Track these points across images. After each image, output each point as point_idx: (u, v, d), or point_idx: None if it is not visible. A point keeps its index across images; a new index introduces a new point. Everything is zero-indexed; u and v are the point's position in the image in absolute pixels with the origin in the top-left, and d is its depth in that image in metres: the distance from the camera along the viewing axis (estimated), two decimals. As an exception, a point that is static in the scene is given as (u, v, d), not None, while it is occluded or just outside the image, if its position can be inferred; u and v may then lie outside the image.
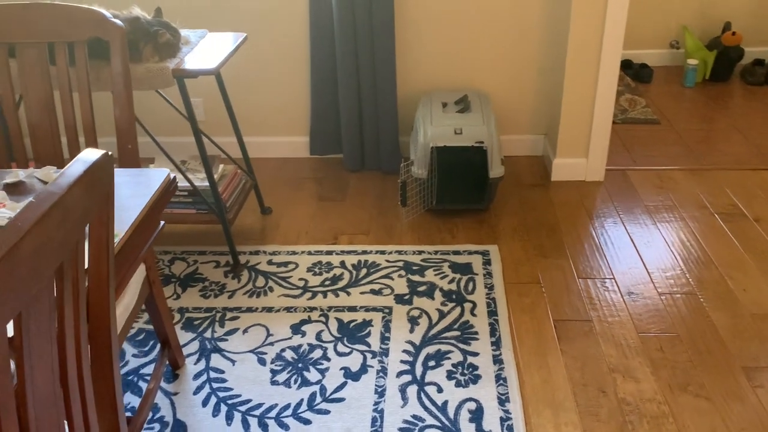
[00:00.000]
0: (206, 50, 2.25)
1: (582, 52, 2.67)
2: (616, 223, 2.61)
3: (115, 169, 1.43)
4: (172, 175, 1.39)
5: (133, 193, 1.30)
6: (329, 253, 2.49)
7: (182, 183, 2.38)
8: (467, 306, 2.19)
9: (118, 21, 1.56)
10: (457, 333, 2.07)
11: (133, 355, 2.04)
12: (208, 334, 2.11)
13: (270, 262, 2.45)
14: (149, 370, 1.98)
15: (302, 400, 1.85)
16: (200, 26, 2.93)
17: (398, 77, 3.00)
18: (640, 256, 2.41)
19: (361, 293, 2.26)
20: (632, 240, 2.50)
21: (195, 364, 2.00)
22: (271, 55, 3.00)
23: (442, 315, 2.15)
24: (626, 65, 4.09)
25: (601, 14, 2.60)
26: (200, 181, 2.41)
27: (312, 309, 2.20)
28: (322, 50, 2.89)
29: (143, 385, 1.92)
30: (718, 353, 1.97)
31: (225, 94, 2.49)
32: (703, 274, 2.30)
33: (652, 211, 2.68)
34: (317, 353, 2.01)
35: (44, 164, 1.68)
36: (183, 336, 2.10)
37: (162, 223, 1.43)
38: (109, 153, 0.89)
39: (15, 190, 1.34)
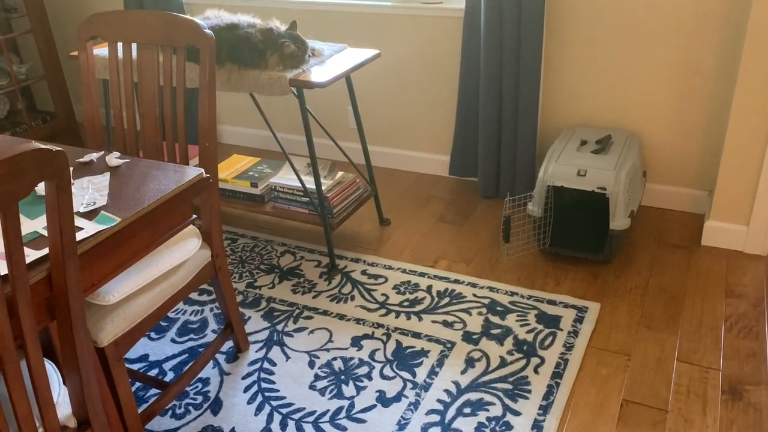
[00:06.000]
0: (335, 64, 2.38)
1: (753, 98, 2.29)
2: (758, 309, 2.20)
3: (157, 163, 1.61)
4: (205, 175, 1.52)
5: (157, 186, 1.45)
6: (422, 274, 2.47)
7: (299, 184, 2.54)
8: (534, 361, 2.03)
9: (209, 32, 1.74)
10: (508, 386, 1.94)
11: (213, 331, 2.26)
12: (280, 327, 2.24)
13: (364, 272, 2.51)
14: (224, 347, 2.18)
15: (328, 410, 1.89)
16: (364, 43, 3.08)
17: (545, 107, 2.86)
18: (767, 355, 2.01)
19: (432, 321, 2.22)
20: (767, 333, 2.09)
21: (257, 351, 2.14)
22: (423, 74, 3.05)
23: (503, 364, 2.02)
24: None
25: (781, 60, 2.20)
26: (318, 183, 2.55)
27: (379, 326, 2.22)
28: (470, 71, 2.86)
29: (211, 361, 2.11)
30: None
31: (355, 104, 2.61)
32: None
33: (814, 303, 2.21)
34: (363, 370, 2.03)
35: (149, 151, 1.94)
36: (259, 323, 2.27)
37: (193, 216, 1.57)
38: (55, 149, 1.02)
39: (85, 169, 1.59)
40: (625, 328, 2.15)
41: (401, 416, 1.86)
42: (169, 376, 2.06)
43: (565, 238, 2.51)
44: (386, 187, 3.14)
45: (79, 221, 1.33)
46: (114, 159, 1.59)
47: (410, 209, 2.94)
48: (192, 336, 2.23)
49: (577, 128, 2.75)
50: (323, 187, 2.49)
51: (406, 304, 2.32)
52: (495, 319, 2.22)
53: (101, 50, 2.44)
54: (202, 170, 1.54)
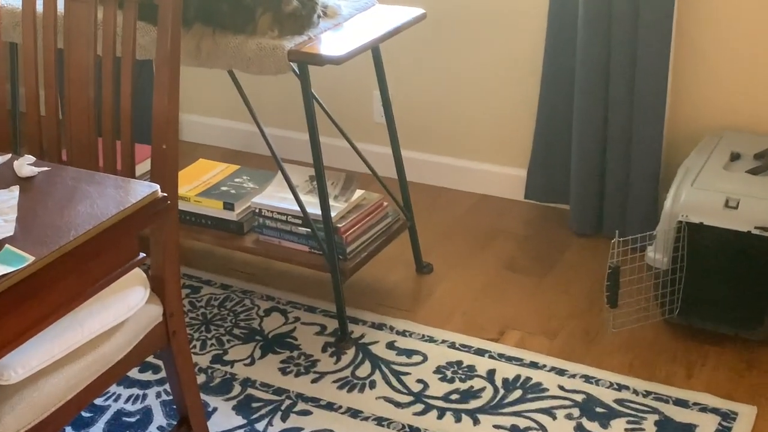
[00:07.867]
0: (357, 28, 2.45)
1: None
2: None
3: (89, 173, 1.64)
4: (161, 194, 1.55)
5: (89, 209, 1.48)
6: (480, 353, 2.49)
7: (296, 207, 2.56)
8: (652, 494, 2.02)
9: (173, -21, 1.79)
10: None
11: (159, 428, 2.28)
12: (260, 426, 2.26)
13: (391, 346, 2.53)
14: (176, 453, 2.20)
15: None
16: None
17: (675, 101, 2.89)
18: None
19: (495, 426, 2.23)
20: None
21: (225, 462, 2.17)
22: (488, 42, 3.10)
23: (603, 497, 2.03)
24: None
25: None
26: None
27: (413, 429, 2.22)
28: (560, 37, 2.92)
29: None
30: None
31: (384, 89, 2.65)
32: None
33: None
34: (386, 498, 2.04)
35: (78, 153, 1.98)
36: (230, 418, 2.28)
37: (141, 255, 1.60)
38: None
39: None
40: (795, 447, 2.14)
41: None
42: (92, 496, 2.08)
43: (704, 303, 2.51)
44: (428, 215, 3.16)
45: (-28, 259, 1.36)
46: (26, 166, 1.63)
47: (463, 250, 2.96)
48: (128, 434, 2.25)
49: (725, 134, 2.77)
50: (333, 213, 2.52)
51: (455, 397, 2.33)
52: (592, 427, 2.22)
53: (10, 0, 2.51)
54: (157, 186, 1.56)
